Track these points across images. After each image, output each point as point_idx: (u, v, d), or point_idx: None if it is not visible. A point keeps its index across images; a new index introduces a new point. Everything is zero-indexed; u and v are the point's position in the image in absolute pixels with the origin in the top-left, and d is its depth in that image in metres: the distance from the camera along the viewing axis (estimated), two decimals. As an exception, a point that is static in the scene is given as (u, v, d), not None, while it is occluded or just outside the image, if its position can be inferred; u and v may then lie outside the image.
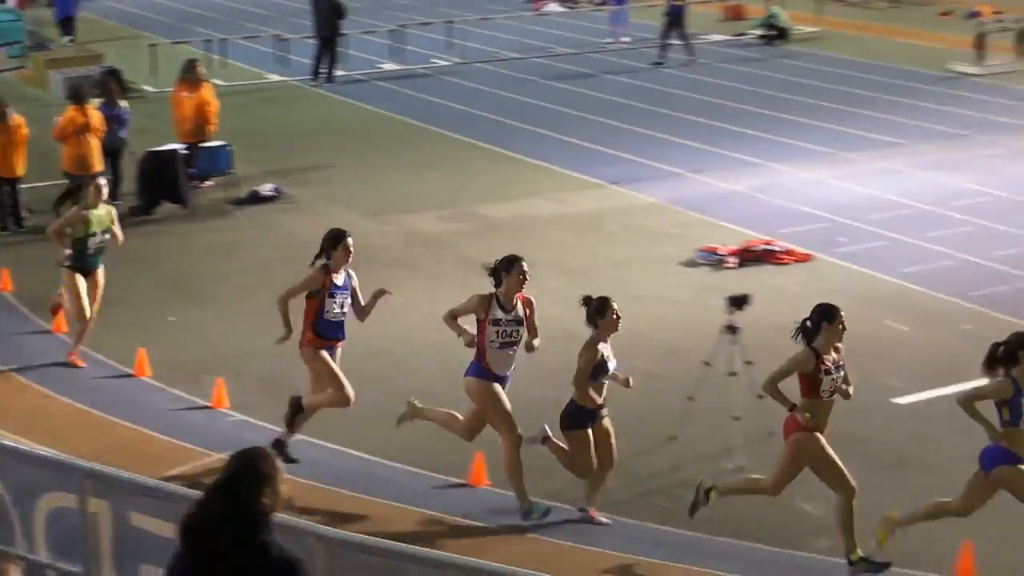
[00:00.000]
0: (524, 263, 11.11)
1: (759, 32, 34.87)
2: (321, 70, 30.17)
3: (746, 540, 10.94)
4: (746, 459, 12.07)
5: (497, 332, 10.90)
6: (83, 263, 14.12)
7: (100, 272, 14.37)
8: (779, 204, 20.43)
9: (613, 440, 11.01)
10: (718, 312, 12.35)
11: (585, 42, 34.89)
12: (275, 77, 31.15)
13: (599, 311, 10.88)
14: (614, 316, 10.83)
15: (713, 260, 17.79)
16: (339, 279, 11.51)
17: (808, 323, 10.23)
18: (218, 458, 11.85)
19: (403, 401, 11.80)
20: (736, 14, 37.22)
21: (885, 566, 10.15)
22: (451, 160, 23.48)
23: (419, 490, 11.74)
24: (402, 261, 18.03)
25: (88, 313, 14.11)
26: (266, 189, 20.99)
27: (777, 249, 18.05)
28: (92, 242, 14.09)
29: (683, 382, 12.85)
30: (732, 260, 17.73)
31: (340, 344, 11.71)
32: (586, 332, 10.99)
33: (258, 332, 15.70)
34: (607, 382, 10.96)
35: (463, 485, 11.74)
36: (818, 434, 10.13)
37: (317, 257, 11.58)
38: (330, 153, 24.00)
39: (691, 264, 17.82)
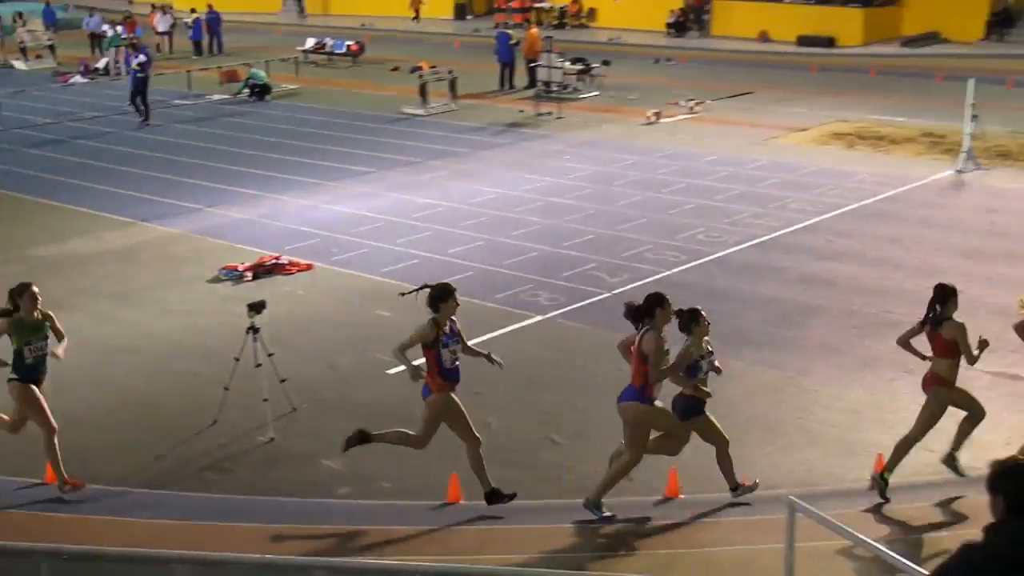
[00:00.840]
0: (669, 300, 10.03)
1: (247, 91, 34.58)
2: None
3: (280, 496, 10.85)
4: (275, 432, 12.07)
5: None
6: (30, 373, 10.77)
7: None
8: (282, 227, 20.40)
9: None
10: (241, 317, 12.22)
11: (107, 106, 33.45)
12: None
13: (694, 319, 10.06)
14: (706, 323, 10.06)
15: (233, 276, 17.58)
16: (447, 329, 10.29)
17: (937, 306, 10.10)
18: None
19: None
20: (232, 77, 36.65)
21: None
22: (0, 212, 21.99)
23: (5, 491, 11.01)
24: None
25: (53, 423, 10.84)
26: None
27: (284, 262, 18.05)
28: (28, 351, 10.73)
29: (219, 376, 12.63)
30: (249, 274, 17.59)
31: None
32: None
33: None
34: (706, 375, 10.18)
35: (40, 484, 11.08)
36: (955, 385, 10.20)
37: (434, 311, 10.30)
38: None
39: (216, 280, 17.54)
